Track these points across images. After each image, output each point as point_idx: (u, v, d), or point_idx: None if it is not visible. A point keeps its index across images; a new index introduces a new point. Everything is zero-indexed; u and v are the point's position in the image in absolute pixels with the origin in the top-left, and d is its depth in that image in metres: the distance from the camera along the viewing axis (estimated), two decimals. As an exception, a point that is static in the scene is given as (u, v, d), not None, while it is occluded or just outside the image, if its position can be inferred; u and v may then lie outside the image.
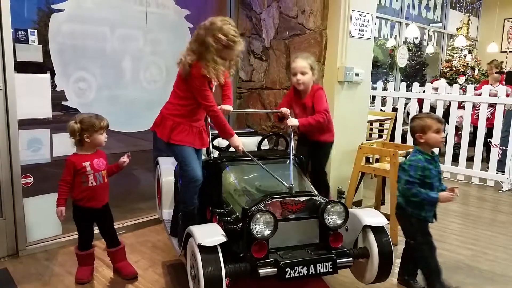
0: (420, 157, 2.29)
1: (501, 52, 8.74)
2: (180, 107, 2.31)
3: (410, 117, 2.83)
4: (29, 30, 2.71)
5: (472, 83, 6.93)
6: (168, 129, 2.29)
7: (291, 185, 2.13)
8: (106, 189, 2.48)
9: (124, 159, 2.55)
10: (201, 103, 2.25)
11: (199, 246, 1.84)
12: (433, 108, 5.51)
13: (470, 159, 5.12)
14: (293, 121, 2.77)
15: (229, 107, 2.57)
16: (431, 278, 2.39)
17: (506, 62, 7.05)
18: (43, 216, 2.89)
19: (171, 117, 2.31)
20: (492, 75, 6.14)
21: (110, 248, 2.54)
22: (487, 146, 5.21)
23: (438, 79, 6.52)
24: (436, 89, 5.51)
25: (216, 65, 2.18)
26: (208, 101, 2.24)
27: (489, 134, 4.97)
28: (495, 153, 4.86)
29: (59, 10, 2.90)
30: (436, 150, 2.58)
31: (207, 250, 1.84)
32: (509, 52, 7.48)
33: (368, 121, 4.91)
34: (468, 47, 8.42)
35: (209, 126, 2.50)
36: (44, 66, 2.88)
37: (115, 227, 3.15)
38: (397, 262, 2.80)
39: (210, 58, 2.16)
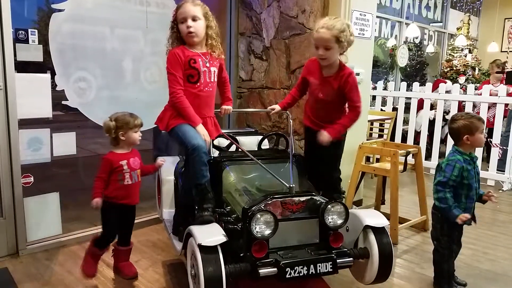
0: (459, 157, 2.24)
1: (501, 51, 8.75)
2: None
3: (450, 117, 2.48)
4: (29, 30, 2.71)
5: (472, 83, 6.93)
6: (167, 118, 2.26)
7: (291, 185, 2.12)
8: (139, 188, 2.50)
9: (160, 163, 2.59)
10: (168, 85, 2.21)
11: (199, 246, 1.84)
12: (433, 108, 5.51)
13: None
14: (325, 137, 2.37)
15: (228, 107, 2.56)
16: (441, 281, 2.41)
17: (506, 62, 7.03)
18: (43, 216, 2.90)
19: (170, 108, 2.28)
20: (493, 74, 6.13)
21: (120, 246, 2.53)
22: (487, 146, 5.21)
23: (443, 81, 6.44)
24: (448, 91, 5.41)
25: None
26: (170, 85, 2.19)
27: (489, 134, 4.97)
28: (495, 153, 4.86)
29: (59, 10, 2.89)
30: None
31: (207, 250, 1.84)
32: (510, 51, 7.48)
33: (369, 121, 4.91)
34: (468, 47, 8.44)
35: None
36: (44, 66, 2.88)
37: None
38: (397, 262, 2.81)
39: (174, 35, 2.25)
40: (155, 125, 2.39)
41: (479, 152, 4.57)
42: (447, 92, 5.32)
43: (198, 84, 2.26)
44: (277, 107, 2.74)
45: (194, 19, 2.20)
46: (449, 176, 2.20)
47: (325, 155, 2.54)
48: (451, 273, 2.41)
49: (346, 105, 2.50)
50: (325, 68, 2.45)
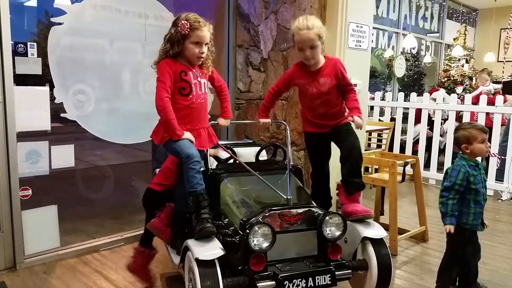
0: (464, 163, 2.28)
1: (498, 61, 8.81)
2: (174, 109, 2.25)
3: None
4: (28, 43, 2.73)
5: (469, 93, 6.97)
6: (162, 132, 2.24)
7: (288, 197, 2.12)
8: None
9: None
10: (155, 98, 2.18)
11: (197, 260, 1.83)
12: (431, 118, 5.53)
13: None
14: (358, 118, 2.39)
15: (226, 123, 2.55)
16: (443, 284, 2.41)
17: (503, 72, 7.09)
18: (41, 229, 2.88)
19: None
20: (480, 76, 6.22)
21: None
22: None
23: (437, 89, 6.56)
24: (434, 99, 5.54)
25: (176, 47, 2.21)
26: (158, 91, 2.16)
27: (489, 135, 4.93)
28: (494, 162, 4.87)
29: (59, 23, 2.92)
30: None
31: (204, 264, 1.83)
32: (506, 61, 7.53)
33: (367, 131, 4.92)
34: (465, 57, 8.50)
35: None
36: (43, 79, 2.89)
37: (113, 239, 3.17)
38: (397, 274, 2.79)
39: (175, 51, 2.21)
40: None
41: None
42: (434, 99, 5.38)
43: (190, 96, 2.26)
44: (266, 120, 2.71)
45: (206, 44, 2.25)
46: (455, 181, 2.24)
47: (341, 135, 2.49)
48: (455, 281, 2.40)
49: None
50: (310, 66, 2.47)
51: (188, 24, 2.18)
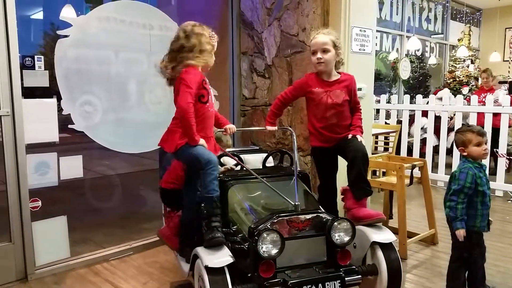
0: (470, 165, 2.28)
1: (503, 61, 8.76)
2: None
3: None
4: (35, 57, 2.77)
5: (473, 93, 6.95)
6: (177, 139, 2.25)
7: (296, 203, 2.13)
8: None
9: None
10: (178, 101, 2.18)
11: (206, 267, 1.83)
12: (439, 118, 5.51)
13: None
14: (358, 138, 2.49)
15: (232, 126, 2.57)
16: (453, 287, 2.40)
17: (509, 71, 7.06)
18: (51, 240, 2.90)
19: (178, 130, 2.27)
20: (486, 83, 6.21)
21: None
22: (494, 156, 5.18)
23: (441, 89, 6.55)
24: (440, 99, 5.52)
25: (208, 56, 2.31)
26: (184, 96, 2.15)
27: (495, 134, 4.88)
28: (502, 163, 4.83)
29: (65, 36, 2.96)
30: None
31: (214, 272, 1.84)
32: (512, 61, 7.50)
33: (373, 134, 4.91)
34: (470, 57, 8.47)
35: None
36: (50, 91, 2.93)
37: (122, 248, 3.18)
38: (407, 278, 2.77)
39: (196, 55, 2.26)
40: (159, 147, 2.40)
41: (485, 163, 4.55)
42: (440, 99, 5.36)
43: (208, 104, 2.30)
44: (273, 128, 2.70)
45: None
46: (464, 184, 2.23)
47: (347, 143, 2.51)
48: (464, 285, 2.38)
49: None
50: (325, 75, 2.52)
51: (215, 37, 2.33)
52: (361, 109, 2.64)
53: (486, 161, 4.91)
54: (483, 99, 5.62)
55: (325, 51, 2.42)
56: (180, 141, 2.24)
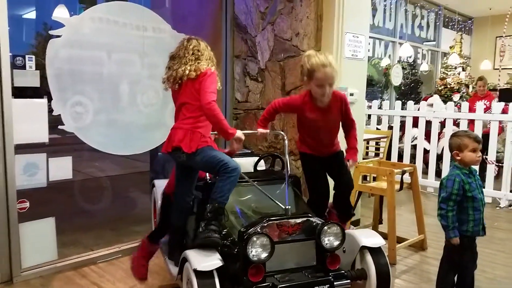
0: (457, 171, 2.29)
1: (494, 69, 8.87)
2: (202, 118, 2.29)
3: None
4: (26, 56, 2.74)
5: (466, 100, 7.02)
6: (197, 139, 2.24)
7: (287, 207, 2.13)
8: None
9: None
10: (207, 98, 2.20)
11: (195, 271, 1.82)
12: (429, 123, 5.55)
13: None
14: (353, 164, 2.62)
15: None
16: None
17: (499, 79, 7.14)
18: (38, 241, 2.87)
19: (197, 131, 2.27)
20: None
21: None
22: (482, 162, 5.22)
23: (431, 96, 6.62)
24: (431, 105, 5.57)
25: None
26: (212, 96, 2.21)
27: (485, 140, 4.92)
28: (491, 170, 4.88)
29: (57, 36, 2.94)
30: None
31: (203, 275, 1.83)
32: (502, 69, 7.59)
33: (364, 140, 4.94)
34: (461, 65, 8.56)
35: None
36: (41, 91, 2.90)
37: (111, 251, 3.15)
38: (396, 283, 2.78)
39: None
40: (150, 148, 2.40)
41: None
42: (431, 105, 5.41)
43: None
44: (264, 130, 2.67)
45: None
46: (451, 191, 2.24)
47: (338, 168, 2.62)
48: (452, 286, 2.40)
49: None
50: (318, 100, 2.46)
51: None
52: (355, 126, 2.62)
53: (476, 167, 4.96)
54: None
55: (331, 84, 2.36)
56: (202, 142, 2.24)
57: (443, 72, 8.69)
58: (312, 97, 2.47)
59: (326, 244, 2.05)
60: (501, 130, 5.29)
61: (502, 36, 7.58)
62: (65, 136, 3.10)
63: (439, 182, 2.41)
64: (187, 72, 2.28)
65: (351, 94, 3.57)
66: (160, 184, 3.00)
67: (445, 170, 5.21)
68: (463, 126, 5.10)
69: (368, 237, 2.21)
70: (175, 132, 2.30)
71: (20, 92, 2.74)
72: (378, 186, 3.38)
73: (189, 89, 2.30)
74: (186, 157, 2.26)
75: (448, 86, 8.33)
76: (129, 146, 3.38)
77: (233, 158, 2.78)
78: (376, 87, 7.90)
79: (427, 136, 5.48)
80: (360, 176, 3.42)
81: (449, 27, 9.17)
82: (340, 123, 2.63)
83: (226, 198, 2.17)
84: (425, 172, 5.48)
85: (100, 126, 3.19)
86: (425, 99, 6.20)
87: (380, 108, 6.17)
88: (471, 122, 5.06)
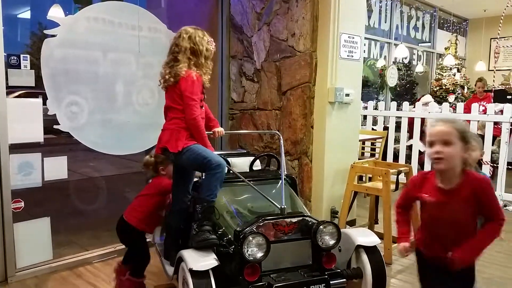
0: None
1: (489, 70, 8.92)
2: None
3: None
4: (21, 55, 2.73)
5: (462, 101, 7.05)
6: (183, 139, 2.24)
7: (283, 206, 2.13)
8: None
9: None
10: (190, 112, 2.21)
11: (191, 270, 1.82)
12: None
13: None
14: (455, 264, 1.64)
15: (221, 129, 2.58)
16: None
17: (493, 81, 7.18)
18: (33, 241, 2.85)
19: (183, 130, 2.27)
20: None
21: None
22: (478, 163, 5.25)
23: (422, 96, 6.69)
24: (426, 104, 5.59)
25: (208, 69, 2.35)
26: (193, 109, 2.21)
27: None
28: (486, 170, 4.90)
29: (52, 35, 2.93)
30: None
31: (199, 275, 1.82)
32: (496, 70, 7.63)
33: (360, 140, 4.94)
34: (456, 66, 8.60)
35: None
36: (36, 91, 2.89)
37: (106, 251, 3.14)
38: (391, 282, 2.79)
39: (203, 63, 2.32)
40: (146, 148, 2.39)
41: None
42: (426, 104, 5.44)
43: (203, 109, 2.36)
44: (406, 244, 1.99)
45: None
46: None
47: None
48: None
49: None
50: (442, 179, 1.71)
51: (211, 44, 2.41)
52: (501, 224, 1.68)
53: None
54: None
55: (446, 143, 1.63)
56: (188, 141, 2.24)
57: (438, 73, 8.73)
58: (434, 175, 1.76)
59: (322, 243, 2.05)
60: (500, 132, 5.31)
61: (496, 38, 7.62)
62: (61, 136, 3.09)
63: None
64: (167, 77, 2.29)
65: (347, 95, 3.58)
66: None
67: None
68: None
69: (364, 236, 2.21)
70: (163, 134, 2.33)
71: (14, 92, 2.72)
72: (373, 186, 3.40)
73: (171, 94, 2.32)
74: (174, 157, 2.28)
75: (443, 87, 8.37)
76: (124, 146, 3.37)
77: (229, 158, 2.79)
78: (371, 88, 7.92)
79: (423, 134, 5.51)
80: (355, 176, 3.43)
81: (444, 28, 9.21)
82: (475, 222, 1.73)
83: (215, 196, 2.17)
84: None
85: (96, 126, 3.18)
86: (418, 100, 6.24)
87: (375, 108, 6.19)
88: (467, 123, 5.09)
